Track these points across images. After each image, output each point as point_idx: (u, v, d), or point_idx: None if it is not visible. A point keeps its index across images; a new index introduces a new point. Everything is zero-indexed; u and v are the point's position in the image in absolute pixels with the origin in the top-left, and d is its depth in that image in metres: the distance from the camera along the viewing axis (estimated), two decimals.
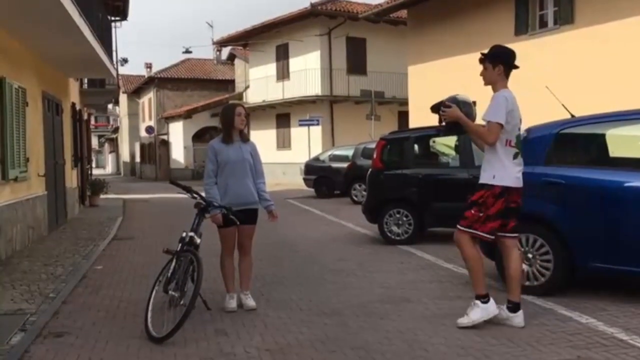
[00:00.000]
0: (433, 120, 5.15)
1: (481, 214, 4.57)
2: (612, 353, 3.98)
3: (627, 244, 5.10)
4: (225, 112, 5.43)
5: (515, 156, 4.61)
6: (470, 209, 4.63)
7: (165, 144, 38.29)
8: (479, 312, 4.62)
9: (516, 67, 4.73)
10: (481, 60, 4.74)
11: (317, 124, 23.74)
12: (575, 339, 4.28)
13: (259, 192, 5.42)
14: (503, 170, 4.56)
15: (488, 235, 4.64)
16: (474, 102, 5.01)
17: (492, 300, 4.67)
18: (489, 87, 4.83)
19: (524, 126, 6.33)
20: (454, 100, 4.78)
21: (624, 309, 4.97)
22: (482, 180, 4.65)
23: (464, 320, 4.64)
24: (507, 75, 4.69)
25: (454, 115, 4.66)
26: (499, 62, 4.65)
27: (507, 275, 4.80)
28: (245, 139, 5.45)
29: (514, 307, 4.65)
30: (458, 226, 4.68)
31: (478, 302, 4.65)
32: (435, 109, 4.78)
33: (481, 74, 4.77)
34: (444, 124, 4.79)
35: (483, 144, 4.71)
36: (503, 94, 4.58)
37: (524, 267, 5.60)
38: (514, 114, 4.58)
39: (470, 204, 4.64)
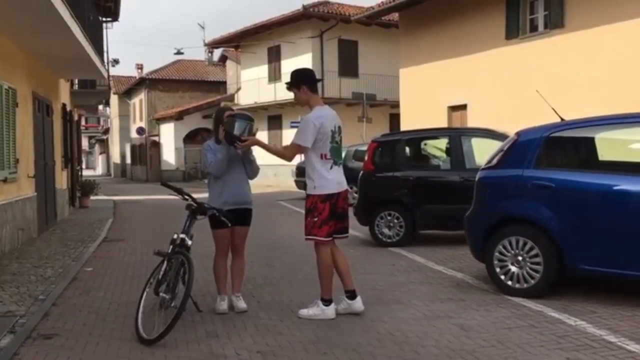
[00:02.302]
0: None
1: (316, 219, 5.05)
2: (601, 355, 4.01)
3: (616, 246, 5.15)
4: (217, 115, 5.46)
5: (332, 166, 5.09)
6: (306, 218, 5.12)
7: (156, 145, 38.17)
8: (318, 311, 5.08)
9: (318, 80, 5.37)
10: (288, 89, 5.29)
11: None
12: (565, 341, 4.31)
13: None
14: (323, 180, 5.04)
15: (325, 239, 5.09)
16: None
17: (332, 306, 5.09)
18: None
19: (514, 129, 6.43)
20: (233, 122, 5.16)
21: (613, 312, 5.01)
22: (307, 191, 5.15)
23: (303, 312, 5.12)
24: (314, 91, 5.24)
25: (253, 144, 5.18)
26: (301, 84, 5.17)
27: (339, 271, 5.21)
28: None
29: (352, 295, 5.18)
30: (305, 236, 5.16)
31: (320, 302, 5.10)
32: (229, 140, 5.13)
33: (294, 99, 5.37)
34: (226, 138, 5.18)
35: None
36: (312, 117, 5.08)
37: (514, 269, 5.65)
38: (325, 130, 5.06)
39: (306, 213, 5.14)
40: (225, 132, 5.16)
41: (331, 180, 5.07)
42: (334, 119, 5.23)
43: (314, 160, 5.06)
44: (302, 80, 5.21)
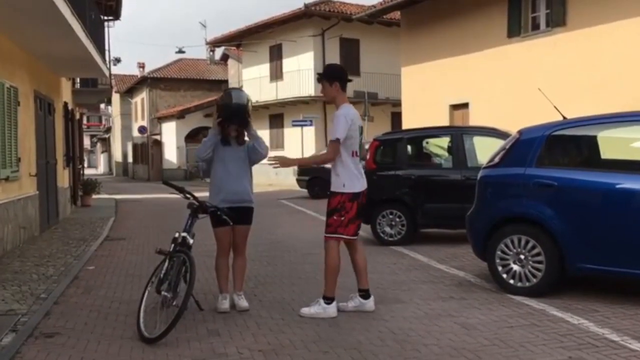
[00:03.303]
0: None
1: (343, 218, 5.04)
2: (604, 354, 4.00)
3: (618, 245, 5.14)
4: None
5: (359, 163, 5.20)
6: (331, 216, 5.06)
7: (158, 144, 38.18)
8: (319, 309, 5.06)
9: (350, 80, 5.33)
10: (319, 80, 5.27)
11: (311, 125, 23.75)
12: (567, 340, 4.30)
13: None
14: (354, 179, 5.08)
15: (352, 237, 5.14)
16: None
17: (334, 304, 5.08)
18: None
19: (516, 127, 6.42)
20: (229, 93, 5.32)
21: (615, 310, 5.00)
22: (334, 189, 5.10)
23: (305, 310, 5.10)
24: (344, 89, 5.25)
25: (289, 164, 5.26)
26: (334, 80, 5.18)
27: (358, 269, 5.25)
28: (240, 142, 5.43)
29: (366, 294, 5.21)
30: (325, 235, 5.11)
31: (322, 301, 5.08)
32: (233, 114, 5.22)
33: (321, 92, 5.34)
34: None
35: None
36: (342, 113, 5.09)
37: (516, 267, 5.64)
38: (355, 127, 5.12)
39: (331, 211, 5.07)
40: (224, 106, 5.22)
41: (360, 178, 5.14)
42: (359, 117, 5.29)
43: (345, 157, 5.06)
44: (337, 76, 5.21)
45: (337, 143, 5.03)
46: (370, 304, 5.21)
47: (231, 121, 5.26)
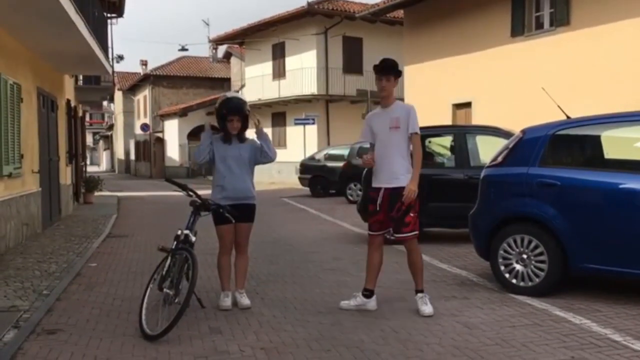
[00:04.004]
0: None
1: (416, 214, 5.08)
2: (606, 354, 4.00)
3: (621, 245, 5.12)
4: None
5: None
6: (407, 214, 5.01)
7: (160, 142, 38.22)
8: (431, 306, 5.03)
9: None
10: (386, 74, 5.10)
11: (313, 123, 23.74)
12: (569, 340, 4.29)
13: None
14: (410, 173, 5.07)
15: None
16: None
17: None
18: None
19: (519, 126, 6.41)
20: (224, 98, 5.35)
21: (618, 310, 4.99)
22: (404, 184, 5.01)
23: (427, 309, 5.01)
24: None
25: (415, 185, 5.04)
26: (396, 75, 5.17)
27: (377, 269, 5.27)
28: (242, 140, 5.44)
29: (370, 294, 5.23)
30: (405, 235, 5.06)
31: (426, 297, 5.13)
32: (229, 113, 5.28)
33: (384, 86, 5.13)
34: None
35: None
36: (414, 107, 5.16)
37: (519, 267, 5.63)
38: None
39: (407, 209, 5.01)
40: (224, 101, 5.30)
41: None
42: None
43: (408, 153, 5.12)
44: (398, 72, 5.19)
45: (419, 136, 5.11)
46: (372, 304, 5.23)
47: (233, 113, 5.26)
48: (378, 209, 5.11)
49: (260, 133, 5.40)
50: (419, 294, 5.16)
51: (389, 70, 5.12)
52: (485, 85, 15.37)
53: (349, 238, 9.84)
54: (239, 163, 5.34)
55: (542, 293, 5.45)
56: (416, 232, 5.10)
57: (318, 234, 10.34)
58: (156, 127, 38.41)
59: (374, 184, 5.19)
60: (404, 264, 7.33)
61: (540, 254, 5.47)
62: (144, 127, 38.27)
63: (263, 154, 5.39)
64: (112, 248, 9.08)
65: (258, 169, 5.69)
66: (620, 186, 5.17)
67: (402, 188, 4.99)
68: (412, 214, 5.02)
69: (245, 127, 5.42)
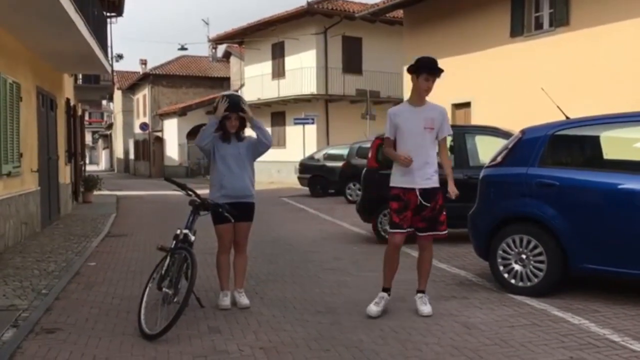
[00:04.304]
0: None
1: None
2: (604, 354, 4.00)
3: (620, 245, 5.13)
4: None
5: None
6: (442, 213, 5.08)
7: (160, 141, 38.20)
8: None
9: None
10: (436, 74, 5.05)
11: (312, 123, 23.74)
12: (568, 340, 4.30)
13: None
14: None
15: None
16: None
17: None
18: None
19: (518, 127, 6.41)
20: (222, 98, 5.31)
21: (617, 311, 4.99)
22: (437, 184, 5.07)
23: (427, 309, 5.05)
24: None
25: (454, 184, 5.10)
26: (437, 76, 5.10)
27: (396, 266, 5.27)
28: (240, 138, 5.44)
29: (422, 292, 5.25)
30: (439, 232, 5.13)
31: (423, 295, 5.22)
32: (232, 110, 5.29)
33: (429, 87, 5.06)
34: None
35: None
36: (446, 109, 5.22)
37: (518, 267, 5.63)
38: None
39: (441, 208, 5.08)
40: (223, 97, 5.33)
41: None
42: None
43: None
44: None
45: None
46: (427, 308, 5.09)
47: (231, 111, 5.26)
48: (409, 208, 5.01)
49: (252, 120, 5.38)
50: (419, 294, 5.18)
51: (438, 72, 5.04)
52: (485, 86, 15.37)
53: (348, 238, 9.85)
54: (238, 162, 5.34)
55: (541, 293, 5.45)
56: (447, 231, 5.20)
57: (317, 234, 10.34)
58: (155, 126, 38.39)
59: (403, 184, 5.04)
60: (403, 264, 7.33)
61: (540, 254, 5.47)
62: (143, 126, 38.25)
63: (260, 144, 5.39)
64: (111, 247, 9.08)
65: (257, 168, 5.69)
66: (620, 186, 5.17)
67: (437, 188, 5.04)
68: (444, 213, 5.09)
69: (243, 125, 5.42)
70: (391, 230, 5.18)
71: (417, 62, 5.09)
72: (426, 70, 5.00)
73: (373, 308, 5.02)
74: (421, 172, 4.99)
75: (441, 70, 5.03)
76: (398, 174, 5.09)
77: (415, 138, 5.01)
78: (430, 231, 5.10)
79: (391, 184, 5.13)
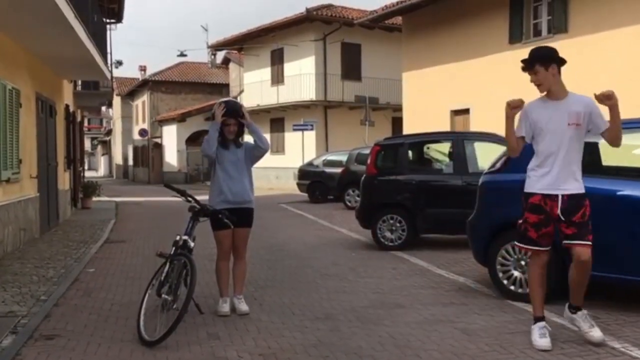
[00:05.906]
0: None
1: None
2: None
3: (619, 252, 5.13)
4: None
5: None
6: (589, 223, 4.34)
7: (159, 147, 38.20)
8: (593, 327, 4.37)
9: (564, 62, 4.59)
10: (531, 68, 4.62)
11: (311, 129, 23.77)
12: (567, 347, 4.29)
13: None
14: None
15: None
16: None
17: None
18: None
19: None
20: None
21: (616, 317, 5.00)
22: (583, 190, 4.40)
23: (597, 335, 4.30)
24: (559, 73, 4.54)
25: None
26: (549, 62, 4.58)
27: (543, 288, 4.58)
28: (238, 144, 5.45)
29: (577, 309, 4.49)
30: (588, 242, 4.32)
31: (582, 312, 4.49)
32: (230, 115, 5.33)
33: (534, 80, 4.62)
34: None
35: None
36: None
37: (517, 273, 5.63)
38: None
39: (588, 220, 4.35)
40: (220, 102, 5.40)
41: None
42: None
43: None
44: (546, 59, 4.58)
45: None
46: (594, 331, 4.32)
47: (230, 115, 5.28)
48: (550, 218, 4.33)
49: (250, 125, 5.40)
50: (583, 311, 4.44)
51: (531, 64, 4.56)
52: (484, 92, 15.40)
53: (347, 244, 9.84)
54: (237, 168, 5.36)
55: None
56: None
57: (316, 240, 10.34)
58: (154, 132, 38.39)
59: (542, 190, 4.35)
60: (402, 270, 7.36)
61: None
62: (143, 132, 38.25)
63: (257, 148, 5.40)
64: (110, 253, 9.07)
65: (256, 175, 5.70)
66: (618, 193, 5.18)
67: (583, 194, 4.36)
68: (590, 227, 4.34)
69: (241, 131, 5.44)
70: (533, 248, 4.46)
71: (554, 52, 4.72)
72: (557, 62, 4.59)
73: (542, 342, 4.24)
74: (566, 175, 4.35)
75: (533, 63, 4.65)
76: (534, 181, 4.39)
77: (557, 136, 4.40)
78: (577, 240, 4.32)
79: (527, 190, 4.43)
